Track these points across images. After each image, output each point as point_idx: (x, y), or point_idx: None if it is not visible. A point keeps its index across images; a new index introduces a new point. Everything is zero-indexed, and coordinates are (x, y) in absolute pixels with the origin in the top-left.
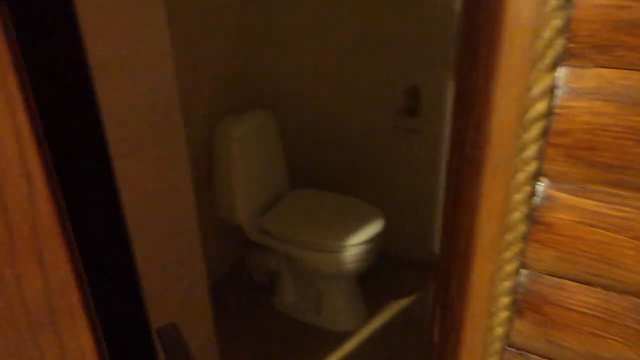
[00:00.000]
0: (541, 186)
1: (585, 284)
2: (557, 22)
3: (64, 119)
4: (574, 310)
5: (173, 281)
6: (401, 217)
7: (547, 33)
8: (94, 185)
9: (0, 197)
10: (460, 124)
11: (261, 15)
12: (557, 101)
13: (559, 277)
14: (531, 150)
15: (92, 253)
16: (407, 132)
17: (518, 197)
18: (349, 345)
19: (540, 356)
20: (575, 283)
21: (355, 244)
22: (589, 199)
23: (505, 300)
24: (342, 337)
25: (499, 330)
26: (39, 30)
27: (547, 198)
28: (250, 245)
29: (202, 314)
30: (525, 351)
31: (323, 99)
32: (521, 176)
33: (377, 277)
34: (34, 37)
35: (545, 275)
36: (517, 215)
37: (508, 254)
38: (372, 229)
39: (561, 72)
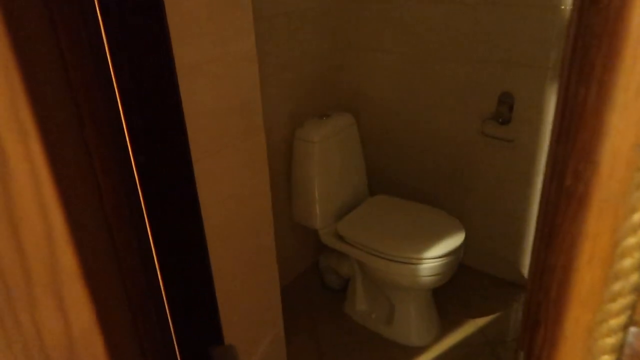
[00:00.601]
0: None
1: None
2: None
3: (147, 121)
4: None
5: (246, 282)
6: (485, 230)
7: None
8: (174, 186)
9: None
10: (561, 148)
11: (349, 18)
12: None
13: None
14: None
15: (169, 254)
16: (496, 140)
17: (632, 240)
18: None
19: None
20: None
21: (433, 257)
22: None
23: (606, 359)
24: (413, 351)
25: None
26: (128, 35)
27: None
28: (324, 249)
29: (273, 315)
30: None
31: (408, 102)
32: (638, 217)
33: (455, 291)
34: (123, 42)
35: None
36: (629, 262)
37: (614, 307)
38: (451, 242)
39: None
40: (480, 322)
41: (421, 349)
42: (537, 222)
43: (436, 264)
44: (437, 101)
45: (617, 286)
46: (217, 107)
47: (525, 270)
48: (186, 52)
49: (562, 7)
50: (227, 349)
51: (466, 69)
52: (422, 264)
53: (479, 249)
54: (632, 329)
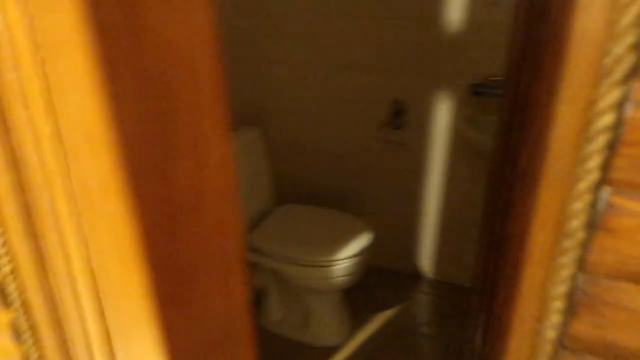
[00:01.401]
0: (604, 194)
1: None
2: (630, 39)
3: None
4: (634, 310)
5: None
6: (385, 228)
7: (618, 50)
8: None
9: (219, 224)
10: (517, 136)
11: (244, 32)
12: (628, 113)
13: (620, 280)
14: (595, 161)
15: None
16: (392, 144)
17: (578, 205)
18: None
19: (597, 356)
20: (636, 285)
21: (344, 258)
22: None
23: (558, 304)
24: (329, 351)
25: (551, 334)
26: None
27: (611, 205)
28: None
29: None
30: (580, 352)
31: (308, 112)
32: (582, 185)
33: (362, 288)
34: None
35: (605, 279)
36: (575, 223)
37: (564, 260)
38: (360, 243)
39: (632, 86)
40: (388, 314)
41: (337, 348)
42: (487, 199)
43: (347, 264)
44: (337, 110)
45: (566, 243)
46: None
47: (420, 261)
48: None
49: (439, 20)
50: None
51: (362, 78)
52: (334, 265)
53: (381, 247)
54: (580, 276)
